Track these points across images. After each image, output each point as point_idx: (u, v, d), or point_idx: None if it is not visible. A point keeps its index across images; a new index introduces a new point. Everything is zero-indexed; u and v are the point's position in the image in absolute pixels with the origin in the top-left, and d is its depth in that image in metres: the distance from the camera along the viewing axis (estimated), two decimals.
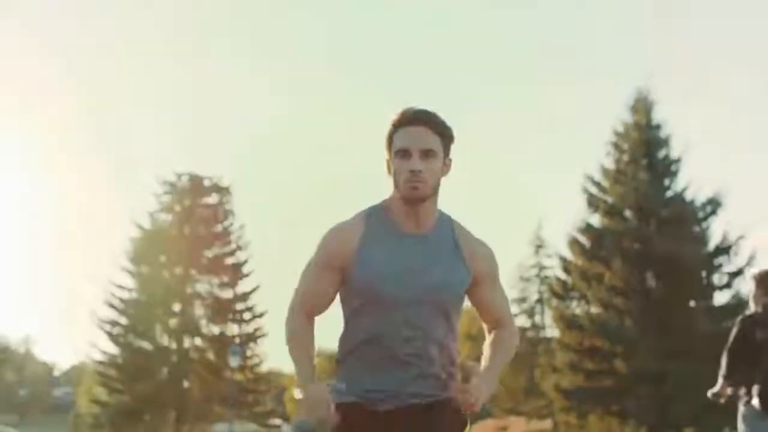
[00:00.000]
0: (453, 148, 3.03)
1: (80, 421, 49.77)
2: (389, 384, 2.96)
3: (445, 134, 2.98)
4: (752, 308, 6.47)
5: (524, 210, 75.22)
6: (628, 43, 73.78)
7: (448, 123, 3.01)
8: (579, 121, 70.03)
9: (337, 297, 3.08)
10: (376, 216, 3.02)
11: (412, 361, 2.95)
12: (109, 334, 36.21)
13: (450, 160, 3.03)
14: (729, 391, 6.39)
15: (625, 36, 75.59)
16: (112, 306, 36.27)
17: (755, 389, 6.23)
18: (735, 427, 6.60)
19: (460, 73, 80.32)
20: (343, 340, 3.07)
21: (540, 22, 78.99)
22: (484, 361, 3.11)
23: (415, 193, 2.91)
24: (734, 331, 6.41)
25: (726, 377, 6.36)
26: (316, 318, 3.09)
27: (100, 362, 37.06)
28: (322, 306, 3.08)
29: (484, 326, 3.21)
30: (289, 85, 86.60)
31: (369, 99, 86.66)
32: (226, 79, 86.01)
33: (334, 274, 3.00)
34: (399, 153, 2.93)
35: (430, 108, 3.01)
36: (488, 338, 3.19)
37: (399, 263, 2.94)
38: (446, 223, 3.05)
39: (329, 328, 3.12)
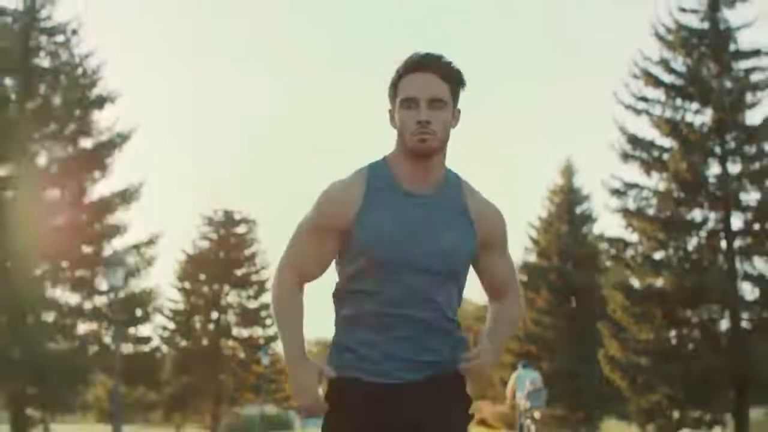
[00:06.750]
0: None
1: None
2: (388, 355, 2.60)
3: (455, 82, 2.63)
4: None
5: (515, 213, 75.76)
6: (625, 40, 74.82)
7: (459, 68, 2.64)
8: (575, 120, 72.13)
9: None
10: (377, 174, 2.65)
11: (413, 330, 2.59)
12: (161, 337, 40.42)
13: (459, 111, 2.66)
14: None
15: (622, 34, 75.65)
16: (162, 314, 40.11)
17: None
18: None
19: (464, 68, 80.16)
20: (340, 308, 2.71)
21: (545, 18, 78.29)
22: (487, 332, 2.74)
23: (423, 146, 2.56)
24: None
25: None
26: (313, 311, 2.73)
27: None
28: (316, 271, 2.70)
29: (486, 295, 2.84)
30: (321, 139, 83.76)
31: (371, 102, 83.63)
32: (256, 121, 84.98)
33: (331, 238, 2.65)
34: (405, 102, 2.58)
35: (438, 52, 2.59)
36: (491, 309, 2.83)
37: (402, 226, 2.58)
38: (454, 181, 2.69)
39: (327, 316, 2.75)
